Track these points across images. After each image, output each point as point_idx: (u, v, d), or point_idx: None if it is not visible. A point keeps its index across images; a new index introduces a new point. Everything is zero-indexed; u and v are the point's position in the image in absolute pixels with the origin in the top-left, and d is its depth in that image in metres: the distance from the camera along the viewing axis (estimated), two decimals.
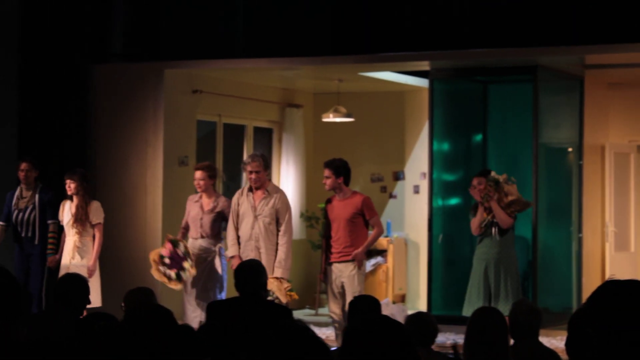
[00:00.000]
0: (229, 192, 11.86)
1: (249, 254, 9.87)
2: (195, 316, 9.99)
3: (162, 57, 12.50)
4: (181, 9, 12.71)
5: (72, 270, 9.75)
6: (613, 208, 13.34)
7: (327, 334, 10.95)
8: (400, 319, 8.43)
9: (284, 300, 9.63)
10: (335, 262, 10.06)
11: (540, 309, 6.46)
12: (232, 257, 10.06)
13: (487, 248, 10.78)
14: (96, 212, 10.77)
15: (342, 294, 9.97)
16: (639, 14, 10.92)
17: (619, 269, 13.07)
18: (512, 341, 5.81)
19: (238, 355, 4.63)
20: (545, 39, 11.21)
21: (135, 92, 12.24)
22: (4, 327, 3.35)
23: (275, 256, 9.96)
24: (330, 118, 13.58)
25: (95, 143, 12.37)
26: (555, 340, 10.48)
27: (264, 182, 10.12)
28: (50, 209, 10.99)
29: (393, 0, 11.77)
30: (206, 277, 10.13)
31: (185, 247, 10.07)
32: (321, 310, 13.26)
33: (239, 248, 10.08)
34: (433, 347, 6.13)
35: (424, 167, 13.00)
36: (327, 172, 10.08)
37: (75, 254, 10.65)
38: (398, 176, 14.29)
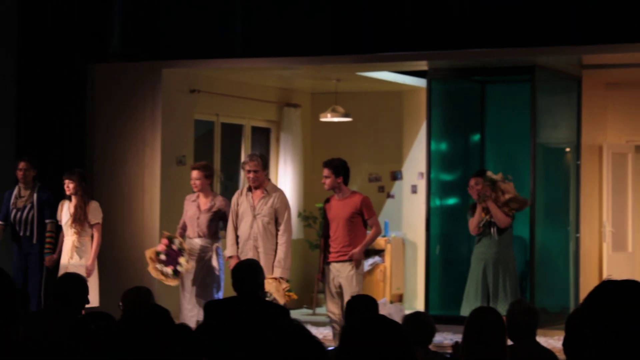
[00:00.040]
0: (227, 192, 11.86)
1: (247, 254, 9.86)
2: (192, 315, 10.00)
3: (161, 56, 12.51)
4: (180, 8, 12.72)
5: (71, 270, 9.76)
6: (610, 208, 13.33)
7: (324, 333, 10.94)
8: (398, 318, 8.44)
9: (281, 301, 9.59)
10: (334, 261, 10.05)
11: (538, 308, 6.46)
12: (231, 257, 10.06)
13: (485, 248, 10.78)
14: (95, 212, 10.76)
15: (340, 293, 9.96)
16: (637, 14, 10.94)
17: (617, 268, 13.07)
18: (509, 341, 5.81)
19: (235, 355, 4.63)
20: (543, 39, 11.22)
21: (133, 92, 12.24)
22: (1, 327, 3.36)
23: (275, 256, 9.96)
24: (328, 118, 13.57)
25: (93, 142, 12.37)
26: (552, 340, 10.47)
27: (262, 182, 10.11)
28: (48, 208, 10.99)
29: (393, 0, 11.78)
30: (204, 277, 10.15)
31: (181, 243, 10.09)
32: (319, 310, 13.26)
33: (238, 248, 10.08)
34: (430, 347, 6.14)
35: (422, 166, 12.98)
36: (326, 172, 10.07)
37: (74, 254, 10.65)
38: (396, 176, 14.28)
